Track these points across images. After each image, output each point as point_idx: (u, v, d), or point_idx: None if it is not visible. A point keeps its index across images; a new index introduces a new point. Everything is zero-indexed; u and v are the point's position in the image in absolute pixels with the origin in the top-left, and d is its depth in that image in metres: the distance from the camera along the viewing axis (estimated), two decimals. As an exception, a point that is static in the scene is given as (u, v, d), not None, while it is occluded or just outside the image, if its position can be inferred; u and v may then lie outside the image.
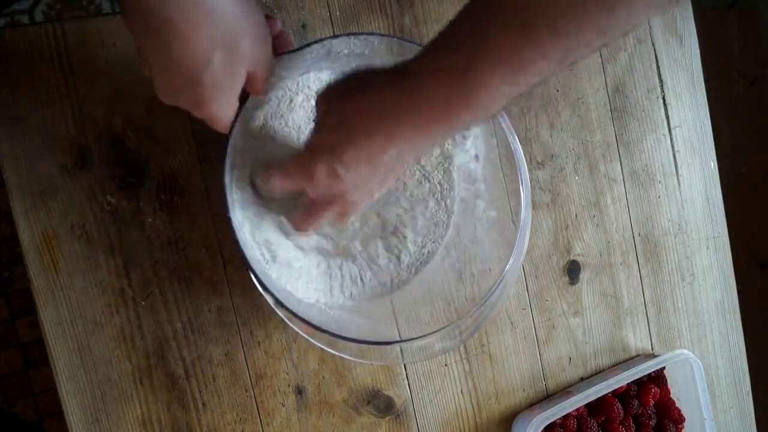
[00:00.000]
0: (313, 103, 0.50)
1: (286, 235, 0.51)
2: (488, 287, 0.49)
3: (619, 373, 0.64)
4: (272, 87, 0.47)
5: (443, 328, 0.48)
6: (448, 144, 0.56)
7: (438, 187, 0.57)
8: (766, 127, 1.07)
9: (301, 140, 0.52)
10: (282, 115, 0.51)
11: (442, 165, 0.56)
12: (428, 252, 0.56)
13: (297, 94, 0.51)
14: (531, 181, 0.64)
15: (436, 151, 0.56)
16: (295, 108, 0.51)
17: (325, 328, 0.44)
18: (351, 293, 0.54)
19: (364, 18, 0.58)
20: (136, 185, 0.51)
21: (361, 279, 0.54)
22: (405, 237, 0.55)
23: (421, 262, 0.56)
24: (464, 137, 0.55)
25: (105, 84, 0.50)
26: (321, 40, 0.45)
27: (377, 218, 0.56)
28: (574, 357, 0.67)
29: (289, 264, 0.51)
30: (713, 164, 0.75)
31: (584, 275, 0.68)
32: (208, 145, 0.53)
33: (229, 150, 0.43)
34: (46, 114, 0.49)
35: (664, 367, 0.69)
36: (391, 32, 0.59)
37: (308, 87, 0.51)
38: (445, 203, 0.57)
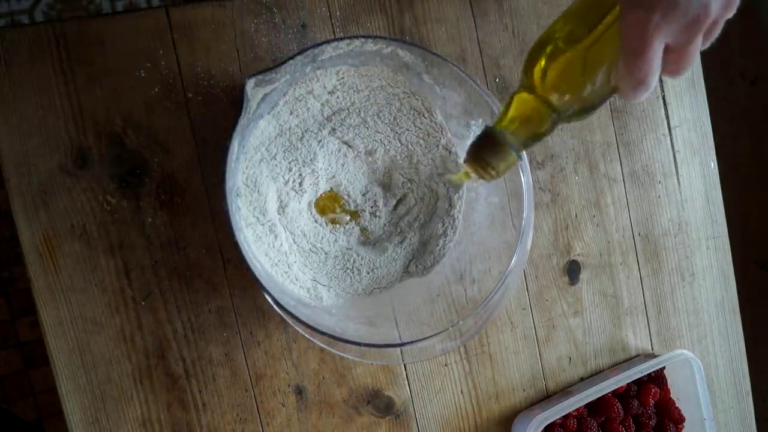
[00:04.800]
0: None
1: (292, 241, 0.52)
2: (490, 289, 0.49)
3: (619, 373, 0.64)
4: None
5: (443, 331, 0.48)
6: (453, 145, 0.56)
7: (446, 189, 0.57)
8: (766, 127, 1.07)
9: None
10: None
11: (455, 161, 0.56)
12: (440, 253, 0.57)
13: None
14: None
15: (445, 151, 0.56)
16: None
17: (324, 330, 0.44)
18: (349, 290, 0.55)
19: (364, 18, 0.58)
20: (136, 185, 0.51)
21: (367, 272, 0.55)
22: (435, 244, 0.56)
23: (432, 263, 0.57)
24: (463, 137, 0.55)
25: (105, 84, 0.50)
26: (319, 43, 0.45)
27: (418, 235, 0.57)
28: (574, 357, 0.67)
29: (288, 264, 0.51)
30: (713, 164, 0.75)
31: (584, 275, 0.68)
32: (208, 145, 0.53)
33: (232, 149, 0.43)
34: (46, 114, 0.49)
35: (664, 367, 0.69)
36: (390, 32, 0.59)
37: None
38: (450, 201, 0.57)
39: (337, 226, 0.55)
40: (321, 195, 0.55)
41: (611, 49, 0.36)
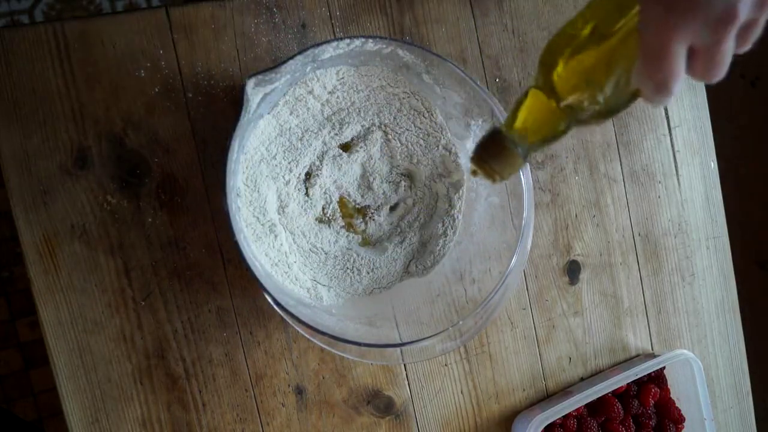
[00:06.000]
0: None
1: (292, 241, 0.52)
2: (490, 289, 0.49)
3: (619, 373, 0.64)
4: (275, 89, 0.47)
5: (443, 331, 0.48)
6: (453, 145, 0.56)
7: (446, 189, 0.57)
8: (766, 127, 1.07)
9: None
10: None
11: (455, 161, 0.56)
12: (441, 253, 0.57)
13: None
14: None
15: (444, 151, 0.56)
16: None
17: (324, 330, 0.44)
18: (350, 290, 0.54)
19: (364, 18, 0.58)
20: (136, 185, 0.51)
21: (367, 272, 0.55)
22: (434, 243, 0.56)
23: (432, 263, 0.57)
24: (463, 137, 0.55)
25: (105, 84, 0.50)
26: (320, 43, 0.45)
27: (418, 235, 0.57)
28: (574, 357, 0.67)
29: (288, 265, 0.51)
30: (713, 164, 0.75)
31: (584, 275, 0.68)
32: (208, 145, 0.53)
33: (232, 149, 0.43)
34: (46, 114, 0.49)
35: (664, 367, 0.69)
36: (390, 32, 0.59)
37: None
38: (450, 201, 0.57)
39: (351, 228, 0.55)
40: None
41: (635, 48, 0.33)
